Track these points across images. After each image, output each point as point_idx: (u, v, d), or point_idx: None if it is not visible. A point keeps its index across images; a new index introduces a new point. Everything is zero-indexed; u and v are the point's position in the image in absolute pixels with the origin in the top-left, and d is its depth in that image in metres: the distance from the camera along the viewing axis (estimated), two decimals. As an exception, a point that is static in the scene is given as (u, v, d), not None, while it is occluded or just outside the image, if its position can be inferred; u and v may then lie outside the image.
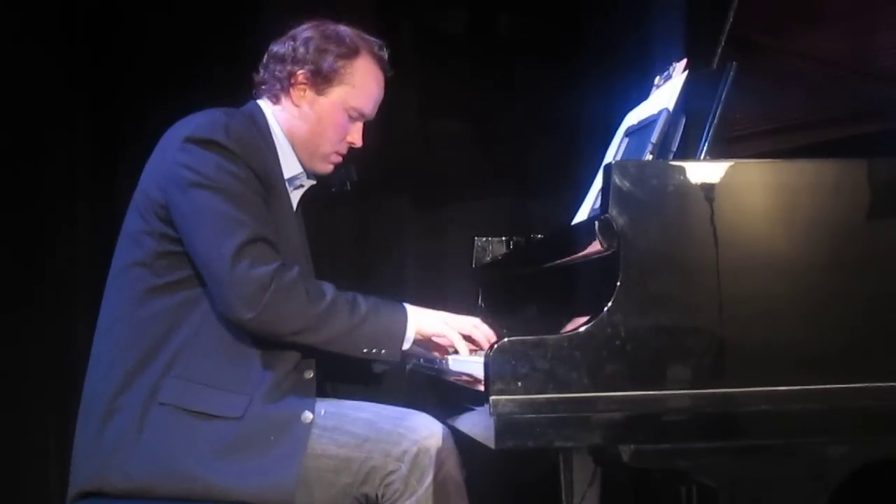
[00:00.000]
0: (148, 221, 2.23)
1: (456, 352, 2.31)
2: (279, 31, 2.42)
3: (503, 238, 3.06)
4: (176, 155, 2.21)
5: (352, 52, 2.38)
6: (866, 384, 1.87)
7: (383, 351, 2.23)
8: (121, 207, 2.31)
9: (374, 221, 3.67)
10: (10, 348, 3.37)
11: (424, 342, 2.31)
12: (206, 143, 2.19)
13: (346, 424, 2.25)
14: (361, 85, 2.40)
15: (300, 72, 2.36)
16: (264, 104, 2.41)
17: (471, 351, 2.28)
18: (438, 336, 2.29)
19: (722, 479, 1.87)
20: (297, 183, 2.44)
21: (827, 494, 1.88)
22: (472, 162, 3.73)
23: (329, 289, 2.21)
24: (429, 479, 2.18)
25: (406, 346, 2.25)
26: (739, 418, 1.85)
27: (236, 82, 2.41)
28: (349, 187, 2.57)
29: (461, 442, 2.24)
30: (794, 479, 1.88)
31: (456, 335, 2.27)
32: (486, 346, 2.24)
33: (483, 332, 2.30)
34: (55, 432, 3.33)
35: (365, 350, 2.22)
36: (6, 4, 3.31)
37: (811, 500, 1.88)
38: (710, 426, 1.85)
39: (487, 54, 3.78)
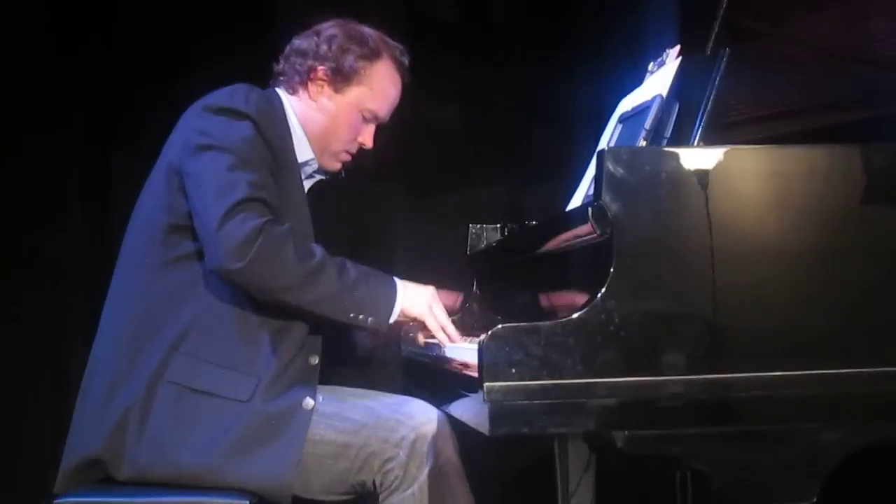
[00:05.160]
0: (164, 194, 2.24)
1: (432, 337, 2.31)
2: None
3: (497, 225, 3.06)
4: (193, 121, 2.26)
5: (373, 55, 2.42)
6: (859, 370, 1.88)
7: (370, 319, 2.21)
8: (114, 203, 2.29)
9: (367, 209, 3.65)
10: (4, 345, 3.37)
11: (401, 322, 2.30)
12: (222, 111, 2.23)
13: (345, 410, 2.25)
14: (379, 88, 2.44)
15: (320, 67, 2.40)
16: (282, 93, 2.44)
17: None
18: (418, 320, 2.28)
19: (716, 464, 1.88)
20: (309, 170, 2.47)
21: (821, 479, 1.89)
22: (466, 149, 3.72)
23: (318, 250, 2.20)
24: (428, 466, 2.19)
25: (393, 318, 2.23)
26: (733, 404, 1.86)
27: (232, 81, 2.39)
28: (342, 175, 2.57)
29: (456, 429, 2.24)
30: (788, 465, 1.89)
31: (437, 326, 2.28)
32: (445, 343, 2.26)
33: (450, 332, 2.29)
34: (50, 430, 3.32)
35: (352, 315, 2.20)
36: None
37: (805, 484, 1.89)
38: (705, 412, 1.85)
39: (480, 41, 3.77)
